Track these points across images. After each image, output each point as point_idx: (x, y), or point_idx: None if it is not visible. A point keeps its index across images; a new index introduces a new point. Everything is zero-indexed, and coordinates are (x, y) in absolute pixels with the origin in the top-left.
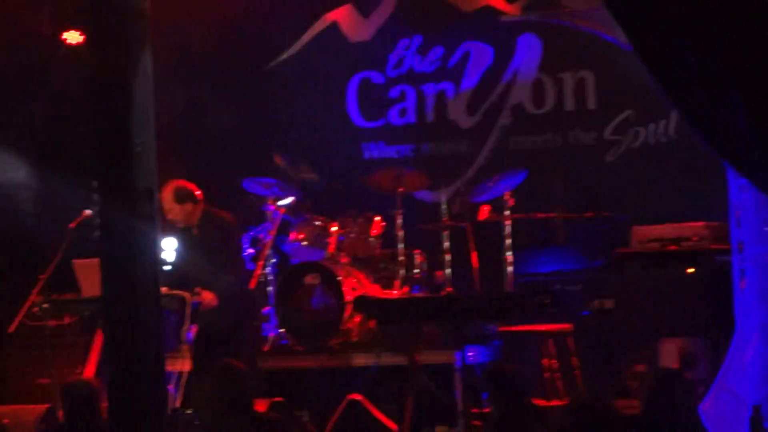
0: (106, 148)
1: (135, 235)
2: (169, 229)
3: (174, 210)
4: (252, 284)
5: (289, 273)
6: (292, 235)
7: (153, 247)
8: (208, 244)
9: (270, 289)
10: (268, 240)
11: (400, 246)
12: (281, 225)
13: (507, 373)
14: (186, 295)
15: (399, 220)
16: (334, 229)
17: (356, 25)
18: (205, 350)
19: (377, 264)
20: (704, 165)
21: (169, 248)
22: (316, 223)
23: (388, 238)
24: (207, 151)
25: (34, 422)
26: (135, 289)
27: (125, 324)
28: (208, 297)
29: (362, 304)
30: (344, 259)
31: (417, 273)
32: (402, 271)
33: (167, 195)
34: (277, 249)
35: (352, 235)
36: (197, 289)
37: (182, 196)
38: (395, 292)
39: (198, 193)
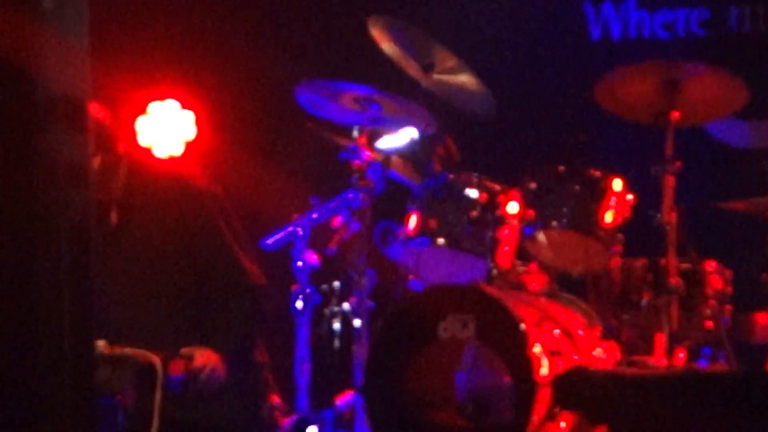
0: None
1: (35, 210)
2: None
3: None
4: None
5: (403, 310)
6: (411, 220)
7: (81, 240)
8: (155, 244)
9: (354, 348)
10: (355, 232)
11: (672, 250)
12: (385, 194)
13: None
14: (154, 359)
15: (670, 191)
16: (513, 207)
17: None
18: None
19: (614, 293)
20: None
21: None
22: (470, 192)
23: (639, 230)
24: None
25: None
26: (33, 342)
27: (9, 424)
28: (207, 361)
29: (579, 387)
30: (535, 283)
31: (710, 316)
32: (675, 311)
33: None
34: (376, 252)
35: (555, 223)
36: (183, 350)
37: None
38: (656, 361)
39: (112, 128)
